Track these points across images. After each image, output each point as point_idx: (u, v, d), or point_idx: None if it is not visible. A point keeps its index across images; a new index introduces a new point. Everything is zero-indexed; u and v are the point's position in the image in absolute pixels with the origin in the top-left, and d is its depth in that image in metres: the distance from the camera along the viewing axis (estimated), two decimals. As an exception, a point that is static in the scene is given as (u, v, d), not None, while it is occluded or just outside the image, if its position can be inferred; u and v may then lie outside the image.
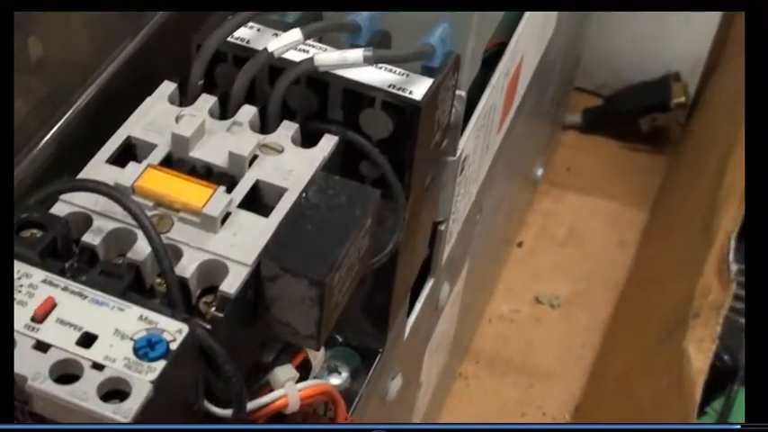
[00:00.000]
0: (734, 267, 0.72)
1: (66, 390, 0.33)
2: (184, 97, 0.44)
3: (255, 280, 0.39)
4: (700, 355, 0.67)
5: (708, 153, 0.90)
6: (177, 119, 0.43)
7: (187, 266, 0.38)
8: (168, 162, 0.42)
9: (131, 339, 0.35)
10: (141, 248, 0.38)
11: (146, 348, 0.34)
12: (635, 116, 1.08)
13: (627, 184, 1.06)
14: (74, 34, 0.48)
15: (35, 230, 0.38)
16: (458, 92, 0.50)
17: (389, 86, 0.45)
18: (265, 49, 0.44)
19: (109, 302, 0.36)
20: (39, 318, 0.35)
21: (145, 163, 0.41)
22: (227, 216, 0.40)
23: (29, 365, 0.34)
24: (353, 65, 0.44)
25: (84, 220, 0.39)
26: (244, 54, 0.45)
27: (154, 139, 0.42)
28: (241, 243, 0.39)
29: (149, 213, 0.39)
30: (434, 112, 0.46)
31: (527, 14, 0.63)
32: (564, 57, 0.88)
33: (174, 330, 0.35)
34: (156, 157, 0.42)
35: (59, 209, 0.39)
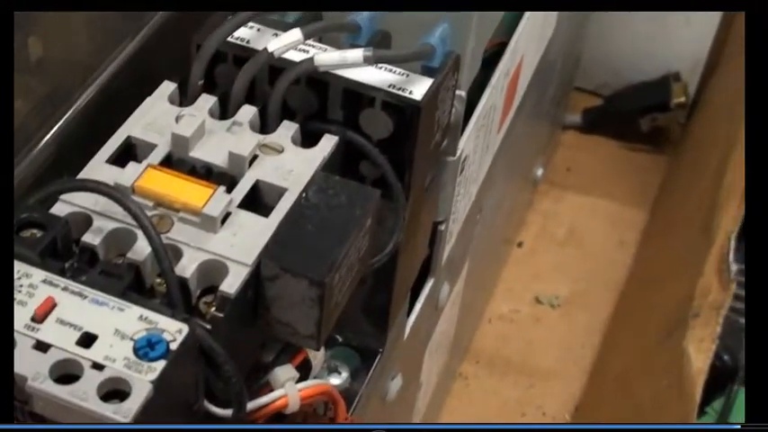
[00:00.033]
0: (734, 267, 0.72)
1: (67, 390, 0.33)
2: (184, 97, 0.44)
3: (255, 280, 0.39)
4: (700, 355, 0.67)
5: (708, 153, 0.90)
6: (177, 119, 0.43)
7: (187, 266, 0.38)
8: (168, 162, 0.42)
9: (131, 339, 0.35)
10: (141, 248, 0.38)
11: (146, 348, 0.34)
12: (635, 116, 1.08)
13: (627, 184, 1.06)
14: (74, 34, 0.48)
15: (35, 230, 0.38)
16: (458, 92, 0.50)
17: (389, 86, 0.45)
18: (265, 49, 0.44)
19: (109, 302, 0.36)
20: (39, 318, 0.35)
21: (145, 163, 0.41)
22: (227, 216, 0.40)
23: (29, 365, 0.34)
24: (353, 65, 0.44)
25: (84, 220, 0.39)
26: (244, 54, 0.45)
27: (154, 139, 0.42)
28: (241, 243, 0.39)
29: (149, 213, 0.39)
30: (434, 112, 0.46)
31: (527, 14, 0.63)
32: (564, 57, 0.88)
33: (174, 330, 0.35)
34: (156, 157, 0.42)
35: (59, 209, 0.39)
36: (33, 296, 0.36)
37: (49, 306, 0.35)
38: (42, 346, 0.34)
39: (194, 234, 0.39)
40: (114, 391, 0.34)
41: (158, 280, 0.38)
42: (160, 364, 0.34)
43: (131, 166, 0.41)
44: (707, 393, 0.66)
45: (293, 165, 0.42)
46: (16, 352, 0.34)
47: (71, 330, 0.35)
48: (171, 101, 0.44)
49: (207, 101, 0.44)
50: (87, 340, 0.35)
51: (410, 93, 0.44)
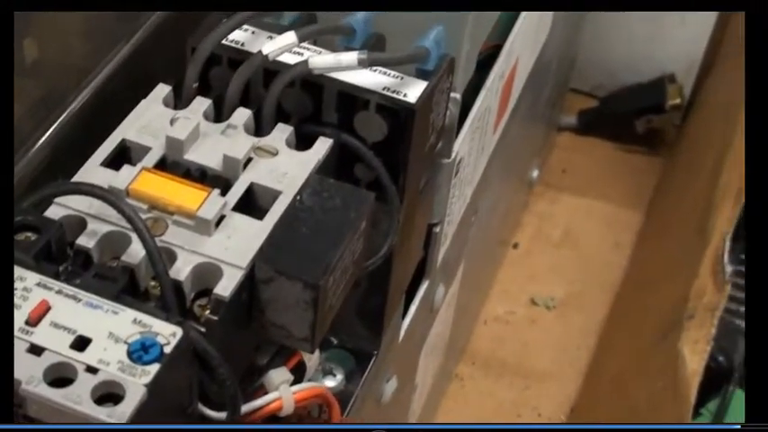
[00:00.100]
0: (729, 269, 0.72)
1: (61, 393, 0.33)
2: (179, 100, 0.44)
3: (250, 283, 0.39)
4: (694, 356, 0.67)
5: (703, 154, 0.90)
6: (172, 122, 0.43)
7: (181, 269, 0.38)
8: (163, 165, 0.42)
9: (125, 343, 0.35)
10: (136, 251, 0.38)
11: (140, 352, 0.34)
12: (630, 118, 1.08)
13: (622, 186, 1.06)
14: (69, 37, 0.48)
15: (29, 233, 0.38)
16: (453, 94, 0.50)
17: (384, 89, 0.45)
18: (260, 51, 0.44)
19: (103, 306, 0.36)
20: (33, 321, 0.35)
21: (139, 166, 0.41)
22: (221, 219, 0.40)
23: (23, 369, 0.34)
24: (348, 68, 0.44)
25: (79, 223, 0.39)
26: (238, 57, 0.45)
27: (148, 141, 0.42)
28: (235, 246, 0.39)
29: (144, 216, 0.39)
30: (429, 115, 0.47)
31: (522, 17, 0.63)
32: (559, 58, 0.88)
33: (167, 334, 0.35)
34: (151, 159, 0.42)
35: (54, 212, 0.39)
36: (27, 299, 0.36)
37: (44, 309, 0.35)
38: (36, 350, 0.34)
39: (189, 237, 0.39)
40: (108, 395, 0.34)
41: (153, 283, 0.38)
42: (154, 368, 0.34)
43: (126, 168, 0.41)
44: (702, 395, 0.66)
45: (288, 167, 0.42)
46: (10, 355, 0.34)
47: (65, 334, 0.35)
48: (165, 104, 0.44)
49: (201, 104, 0.44)
50: (81, 343, 0.35)
51: (405, 95, 0.45)
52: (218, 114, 0.44)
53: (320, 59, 0.44)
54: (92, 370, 0.34)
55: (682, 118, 1.08)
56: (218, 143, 0.42)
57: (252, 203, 0.41)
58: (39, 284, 0.36)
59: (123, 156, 0.42)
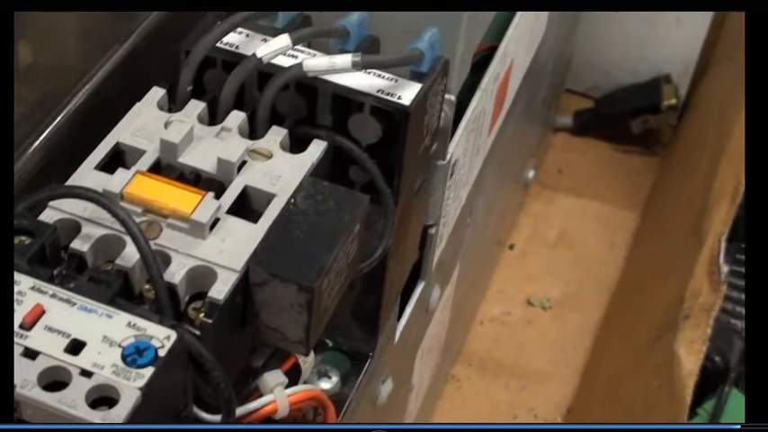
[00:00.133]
0: (724, 269, 0.72)
1: (55, 397, 0.33)
2: (173, 103, 0.44)
3: (244, 286, 0.39)
4: (690, 356, 0.67)
5: (698, 155, 0.90)
6: (166, 125, 0.43)
7: (176, 273, 0.38)
8: (157, 168, 0.42)
9: (120, 346, 0.35)
10: (130, 255, 0.38)
11: (134, 355, 0.35)
12: (626, 118, 1.08)
13: (618, 186, 1.06)
14: (63, 40, 0.48)
15: (24, 237, 0.38)
16: (447, 96, 0.50)
17: (378, 92, 0.45)
18: (254, 54, 0.44)
19: (97, 309, 0.36)
20: (27, 325, 0.35)
21: (134, 169, 0.41)
22: (215, 222, 0.40)
23: (17, 373, 0.34)
24: (342, 70, 0.44)
25: (73, 227, 0.39)
26: (233, 60, 0.45)
27: (143, 145, 0.42)
28: (230, 249, 0.39)
29: (138, 220, 0.39)
30: (423, 117, 0.47)
31: (517, 18, 0.63)
32: (555, 59, 0.88)
33: (162, 337, 0.35)
34: (145, 163, 0.42)
35: (48, 215, 0.39)
36: (22, 303, 0.36)
37: (38, 313, 0.35)
38: (31, 354, 0.34)
39: (183, 240, 0.39)
40: (103, 398, 0.34)
41: (147, 286, 0.38)
42: (148, 371, 0.34)
43: (120, 172, 0.41)
44: (698, 395, 0.66)
45: (282, 170, 0.42)
46: (4, 359, 0.34)
47: (59, 337, 0.35)
48: (160, 107, 0.44)
49: (196, 107, 0.44)
50: (76, 347, 0.35)
51: (399, 98, 0.45)
52: (213, 117, 0.44)
53: (314, 62, 0.44)
54: (86, 374, 0.34)
55: (677, 118, 1.08)
56: (212, 146, 0.42)
57: (246, 206, 0.41)
58: (33, 288, 0.36)
59: (118, 159, 0.42)
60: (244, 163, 0.42)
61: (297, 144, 0.44)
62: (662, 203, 0.99)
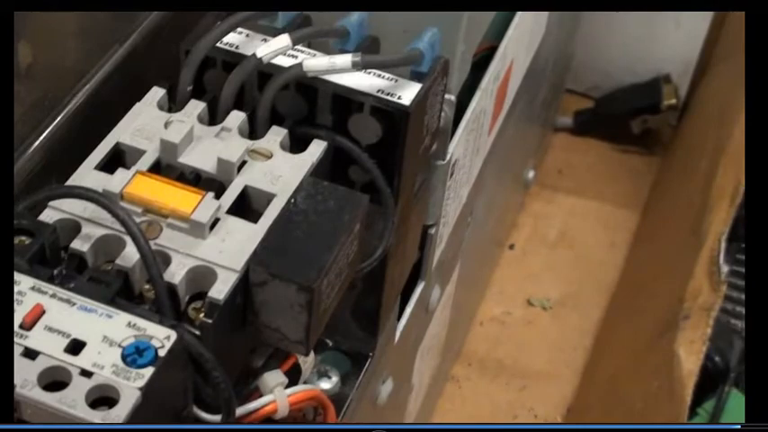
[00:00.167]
0: (724, 269, 0.72)
1: (55, 397, 0.33)
2: (173, 103, 0.44)
3: (244, 286, 0.39)
4: (690, 356, 0.67)
5: (698, 154, 0.90)
6: (166, 125, 0.43)
7: (176, 273, 0.38)
8: (157, 168, 0.42)
9: (119, 346, 0.35)
10: (130, 255, 0.38)
11: (134, 355, 0.35)
12: (626, 118, 1.08)
13: (618, 186, 1.06)
14: (63, 40, 0.48)
15: (24, 237, 0.38)
16: (447, 96, 0.50)
17: (378, 92, 0.45)
18: (254, 54, 0.44)
19: (97, 309, 0.36)
20: (27, 325, 0.35)
21: (134, 169, 0.41)
22: (215, 222, 0.40)
23: (17, 373, 0.34)
24: (342, 70, 0.44)
25: (73, 227, 0.39)
26: (233, 60, 0.45)
27: (143, 145, 0.42)
28: (230, 249, 0.39)
29: (138, 220, 0.39)
30: (423, 117, 0.47)
31: (517, 18, 0.63)
32: (555, 59, 0.88)
33: (162, 337, 0.35)
34: (145, 163, 0.42)
35: (48, 215, 0.39)
36: (22, 303, 0.36)
37: (38, 313, 0.35)
38: (31, 354, 0.34)
39: (183, 240, 0.39)
40: (103, 398, 0.34)
41: (147, 286, 0.38)
42: (148, 371, 0.34)
43: (120, 172, 0.41)
44: (698, 394, 0.66)
45: (282, 170, 0.42)
46: (4, 359, 0.34)
47: (59, 337, 0.35)
48: (160, 107, 0.44)
49: (196, 107, 0.44)
50: (76, 347, 0.35)
51: (399, 98, 0.45)
52: (213, 117, 0.44)
53: (314, 62, 0.44)
54: (86, 374, 0.34)
55: (677, 118, 1.08)
56: (212, 146, 0.42)
57: (246, 206, 0.41)
58: (33, 288, 0.36)
59: (118, 159, 0.42)
60: (244, 163, 0.42)
61: (297, 144, 0.44)
62: (662, 203, 0.99)
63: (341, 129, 0.45)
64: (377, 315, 0.52)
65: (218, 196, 0.40)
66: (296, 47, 0.45)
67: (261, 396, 0.42)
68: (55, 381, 0.34)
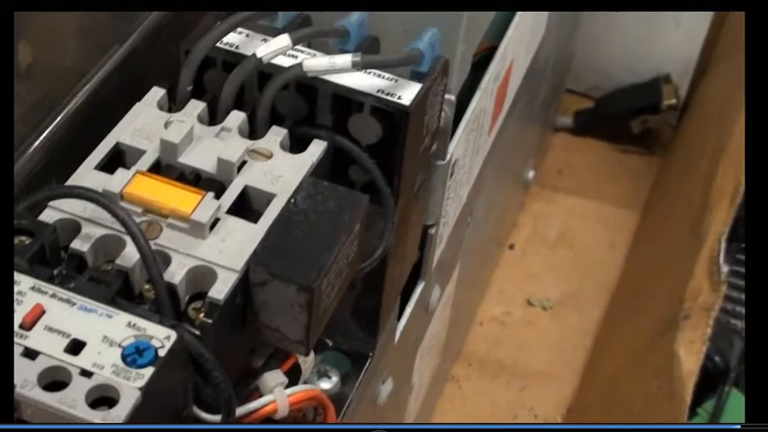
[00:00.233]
0: (724, 269, 0.72)
1: (55, 397, 0.33)
2: (173, 103, 0.44)
3: (244, 286, 0.39)
4: (690, 356, 0.67)
5: (698, 154, 0.90)
6: (166, 125, 0.43)
7: (176, 273, 0.38)
8: (157, 168, 0.42)
9: (119, 346, 0.35)
10: (130, 255, 0.38)
11: (134, 355, 0.35)
12: (626, 118, 1.08)
13: (618, 186, 1.06)
14: (63, 40, 0.48)
15: (24, 237, 0.38)
16: (447, 96, 0.50)
17: (378, 92, 0.45)
18: (254, 54, 0.44)
19: (97, 309, 0.36)
20: (27, 325, 0.35)
21: (134, 169, 0.41)
22: (215, 222, 0.40)
23: (17, 373, 0.34)
24: (342, 70, 0.44)
25: (73, 227, 0.39)
26: (232, 60, 0.45)
27: (143, 145, 0.42)
28: (230, 249, 0.39)
29: (138, 220, 0.39)
30: (423, 117, 0.47)
31: (517, 18, 0.63)
32: (555, 59, 0.88)
33: (162, 337, 0.35)
34: (145, 163, 0.42)
35: (48, 215, 0.39)
36: (22, 303, 0.36)
37: (38, 313, 0.35)
38: (31, 354, 0.34)
39: (183, 240, 0.39)
40: (103, 398, 0.34)
41: (147, 286, 0.38)
42: (148, 371, 0.34)
43: (120, 172, 0.41)
44: (698, 394, 0.66)
45: (282, 170, 0.42)
46: (4, 359, 0.34)
47: (59, 337, 0.35)
48: (160, 107, 0.44)
49: (196, 107, 0.44)
50: (76, 347, 0.35)
51: (399, 98, 0.45)
52: (213, 117, 0.44)
53: (314, 62, 0.44)
54: (86, 374, 0.34)
55: (677, 118, 1.08)
56: (212, 146, 0.42)
57: (246, 206, 0.41)
58: (33, 288, 0.36)
59: (118, 159, 0.42)
60: (244, 163, 0.42)
61: (297, 144, 0.44)
62: (662, 203, 0.99)
63: (341, 129, 0.45)
64: (377, 315, 0.52)
65: (218, 196, 0.40)
66: (296, 47, 0.45)
67: (261, 396, 0.42)
68: (55, 381, 0.34)
